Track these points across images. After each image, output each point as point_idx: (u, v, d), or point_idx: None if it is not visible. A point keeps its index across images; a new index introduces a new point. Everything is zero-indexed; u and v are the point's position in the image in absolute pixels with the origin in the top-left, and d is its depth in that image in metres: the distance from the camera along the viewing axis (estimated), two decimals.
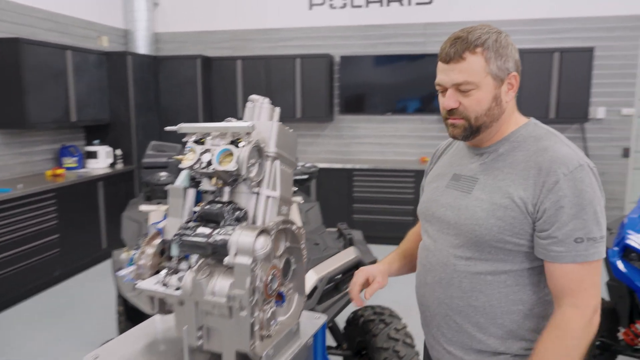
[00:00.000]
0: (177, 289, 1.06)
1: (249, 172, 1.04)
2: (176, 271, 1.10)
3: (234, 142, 1.06)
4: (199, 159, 1.07)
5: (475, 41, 1.12)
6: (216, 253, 1.02)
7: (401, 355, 2.13)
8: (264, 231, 1.01)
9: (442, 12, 5.66)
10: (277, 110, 1.16)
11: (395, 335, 2.19)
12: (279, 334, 1.12)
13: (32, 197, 4.16)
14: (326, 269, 2.13)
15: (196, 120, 5.94)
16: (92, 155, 5.29)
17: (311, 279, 2.06)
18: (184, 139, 1.12)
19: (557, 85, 5.22)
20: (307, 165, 2.83)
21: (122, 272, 1.15)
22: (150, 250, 1.13)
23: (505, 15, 5.50)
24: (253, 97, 1.17)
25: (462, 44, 1.12)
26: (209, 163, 1.05)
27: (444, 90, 1.17)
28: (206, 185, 1.12)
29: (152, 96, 5.89)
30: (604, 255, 1.09)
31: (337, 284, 2.20)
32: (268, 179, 1.10)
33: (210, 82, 6.07)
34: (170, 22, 6.34)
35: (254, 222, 1.08)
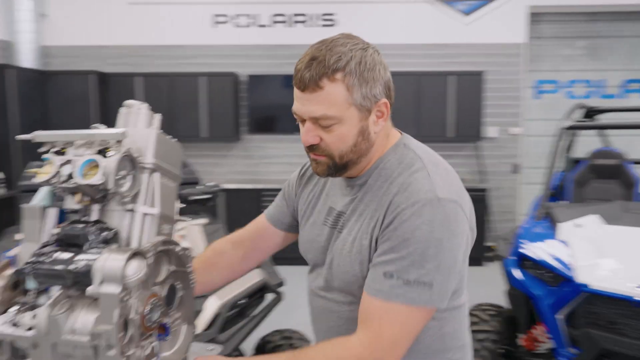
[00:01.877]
0: (30, 328, 0.87)
1: (119, 186, 0.89)
2: (32, 307, 0.91)
3: (102, 152, 0.91)
4: (57, 172, 0.90)
5: (335, 64, 0.93)
6: (79, 283, 0.85)
7: None
8: (137, 254, 0.86)
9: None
10: (158, 117, 1.02)
11: None
12: None
13: None
14: (229, 294, 1.98)
15: None
16: None
17: (213, 305, 1.91)
18: (41, 149, 0.95)
19: (455, 106, 5.53)
20: (209, 184, 2.68)
21: None
22: (0, 282, 0.94)
23: (403, 40, 5.75)
24: (128, 102, 1.02)
25: (319, 67, 0.93)
26: (70, 176, 0.89)
27: (302, 120, 0.99)
28: (70, 203, 0.95)
29: (39, 114, 5.37)
30: (426, 305, 0.94)
31: (242, 309, 2.06)
32: (145, 194, 0.95)
33: (108, 100, 5.66)
34: (60, 35, 5.86)
35: (127, 245, 0.93)
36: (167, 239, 0.96)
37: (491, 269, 4.99)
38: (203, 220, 2.79)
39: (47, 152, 0.95)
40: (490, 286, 3.36)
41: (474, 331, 2.38)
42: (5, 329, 0.88)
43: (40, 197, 0.96)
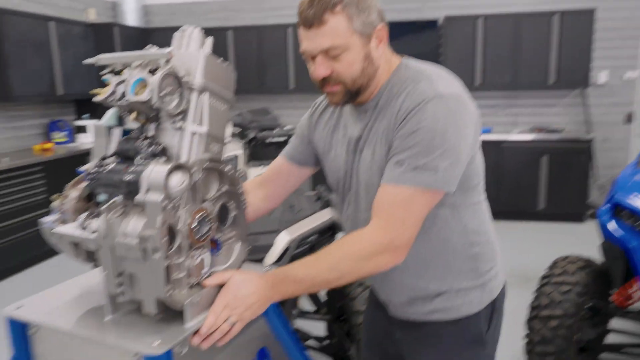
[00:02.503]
0: (95, 232, 0.97)
1: (165, 104, 0.95)
2: (98, 215, 1.01)
3: (153, 72, 0.96)
4: (114, 91, 0.97)
5: None
6: (131, 192, 0.93)
7: None
8: (180, 167, 0.92)
9: None
10: (209, 40, 1.05)
11: None
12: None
13: (18, 171, 4.11)
14: (299, 230, 2.04)
15: None
16: (82, 129, 5.22)
17: (283, 240, 1.98)
18: (102, 72, 1.02)
19: (557, 49, 5.03)
20: (287, 127, 2.74)
21: (47, 219, 1.07)
22: (74, 194, 1.05)
23: None
24: (183, 27, 1.07)
25: (320, 4, 1.03)
26: (124, 95, 0.96)
27: (312, 57, 1.09)
28: (130, 122, 1.03)
29: None
30: (431, 187, 1.03)
31: (312, 246, 2.12)
32: (194, 113, 1.00)
33: None
34: None
35: (176, 160, 0.99)
36: (214, 157, 1.01)
37: (591, 227, 4.61)
38: None
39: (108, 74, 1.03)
40: (588, 245, 3.12)
41: (557, 283, 2.24)
42: (74, 232, 1.00)
43: (107, 118, 1.05)
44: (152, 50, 0.99)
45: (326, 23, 1.03)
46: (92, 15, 5.62)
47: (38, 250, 4.32)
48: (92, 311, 1.05)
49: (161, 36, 5.80)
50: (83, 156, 4.86)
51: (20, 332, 1.07)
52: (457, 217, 1.14)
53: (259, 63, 5.72)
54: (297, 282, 1.03)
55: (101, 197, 1.02)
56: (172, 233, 0.93)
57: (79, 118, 5.38)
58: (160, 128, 1.01)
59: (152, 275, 0.91)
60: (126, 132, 1.07)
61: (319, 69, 1.08)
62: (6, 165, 3.99)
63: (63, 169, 4.59)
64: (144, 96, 0.93)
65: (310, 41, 1.07)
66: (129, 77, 0.97)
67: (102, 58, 1.03)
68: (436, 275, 1.17)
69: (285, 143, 2.80)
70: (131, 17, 5.89)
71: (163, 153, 0.98)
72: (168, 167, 0.89)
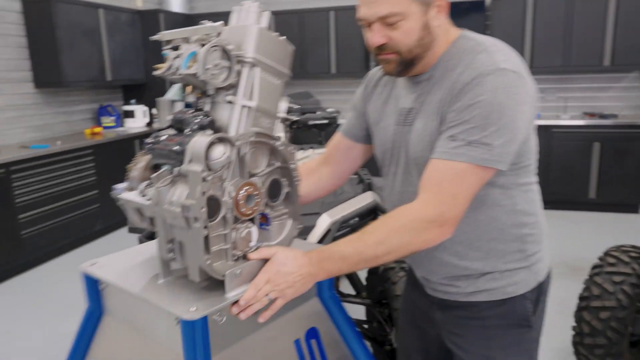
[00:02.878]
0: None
1: (212, 77, 0.95)
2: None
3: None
4: (170, 65, 0.99)
5: None
6: (179, 162, 0.95)
7: None
8: (223, 139, 0.92)
9: None
10: (266, 14, 1.04)
11: None
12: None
13: (70, 154, 4.28)
14: (341, 213, 2.03)
15: None
16: (130, 114, 5.37)
17: (325, 221, 1.97)
18: (163, 48, 1.04)
19: (613, 28, 4.77)
20: (329, 110, 2.71)
21: (118, 186, 1.13)
22: (140, 163, 1.09)
23: None
24: (242, 2, 1.06)
25: None
26: (178, 69, 0.97)
27: (369, 24, 1.06)
28: (190, 96, 1.05)
29: None
30: (484, 163, 0.99)
31: (352, 228, 2.10)
32: (244, 87, 0.99)
33: None
34: None
35: (225, 132, 1.00)
36: (262, 132, 1.00)
37: None
38: (324, 150, 2.86)
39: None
40: None
41: (609, 272, 2.14)
42: (134, 198, 1.04)
43: (171, 93, 1.06)
44: (206, 25, 0.99)
45: None
46: (139, 3, 5.75)
47: (88, 231, 4.51)
48: (151, 274, 1.09)
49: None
50: (130, 140, 5.01)
51: (93, 286, 1.15)
52: (507, 197, 1.11)
53: (300, 47, 5.71)
54: (344, 259, 1.00)
55: (165, 167, 1.05)
56: (216, 204, 0.94)
57: (127, 103, 5.54)
58: (214, 101, 1.02)
59: (194, 243, 0.94)
60: (188, 106, 1.08)
61: (374, 37, 1.06)
62: (59, 149, 4.16)
63: (111, 152, 4.75)
64: (192, 69, 0.94)
65: (367, 7, 1.04)
66: (184, 51, 0.98)
67: (164, 34, 1.05)
68: (481, 255, 1.14)
69: (327, 125, 2.79)
70: (176, 4, 5.99)
71: (211, 125, 0.98)
72: (209, 138, 0.90)
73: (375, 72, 1.29)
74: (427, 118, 1.09)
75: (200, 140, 0.91)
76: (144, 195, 1.03)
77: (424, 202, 1.02)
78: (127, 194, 1.06)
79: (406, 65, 1.09)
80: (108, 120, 5.26)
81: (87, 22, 4.71)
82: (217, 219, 0.94)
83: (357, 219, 2.09)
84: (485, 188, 1.06)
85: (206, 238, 0.93)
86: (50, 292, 3.54)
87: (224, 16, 5.14)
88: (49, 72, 4.47)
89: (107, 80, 5.01)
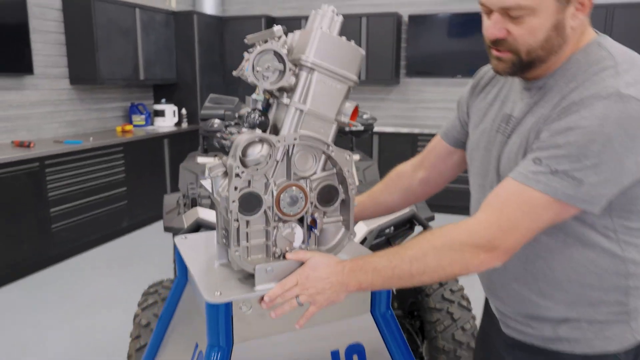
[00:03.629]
0: None
1: (261, 80, 0.96)
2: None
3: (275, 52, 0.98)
4: (242, 67, 1.01)
5: None
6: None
7: (455, 317, 1.97)
8: (264, 139, 0.94)
9: None
10: (338, 19, 1.03)
11: (451, 297, 2.03)
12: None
13: (101, 150, 4.34)
14: (377, 222, 2.00)
15: None
16: (159, 113, 5.43)
17: (361, 230, 1.94)
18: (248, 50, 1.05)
19: None
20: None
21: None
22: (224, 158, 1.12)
23: None
24: (322, 5, 1.05)
25: None
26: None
27: (489, 11, 0.91)
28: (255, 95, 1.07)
29: (217, 57, 5.93)
30: (567, 200, 0.83)
31: (388, 238, 2.07)
32: (301, 90, 0.98)
33: None
34: None
35: (277, 133, 1.01)
36: (312, 135, 0.98)
37: None
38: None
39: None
40: None
41: None
42: (208, 184, 1.07)
43: (254, 94, 1.07)
44: (275, 28, 0.99)
45: None
46: (173, 3, 5.82)
47: (115, 227, 4.56)
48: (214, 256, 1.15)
49: (237, 24, 5.92)
50: (160, 139, 5.06)
51: (180, 258, 1.23)
52: (611, 240, 0.92)
53: None
54: (376, 272, 0.93)
55: None
56: (256, 200, 0.97)
57: (157, 102, 5.60)
58: (278, 102, 1.03)
59: (230, 233, 0.98)
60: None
61: (492, 29, 0.90)
62: (91, 145, 4.22)
63: (141, 150, 4.80)
64: (244, 72, 0.94)
65: None
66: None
67: (249, 37, 1.07)
68: (568, 299, 0.96)
69: (363, 132, 2.76)
70: (209, 6, 6.05)
71: (262, 125, 1.00)
72: (248, 136, 0.93)
73: (488, 69, 1.14)
74: (524, 134, 0.94)
75: (240, 138, 0.95)
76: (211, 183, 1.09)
77: (478, 222, 0.90)
78: (207, 181, 1.12)
79: (521, 68, 0.92)
80: (139, 119, 5.33)
81: (123, 21, 4.79)
82: (256, 215, 0.98)
83: (392, 228, 2.05)
84: (580, 226, 0.91)
85: (238, 230, 0.97)
86: (78, 285, 3.58)
87: (253, 19, 5.21)
88: (84, 69, 4.55)
89: (140, 79, 5.07)
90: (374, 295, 1.11)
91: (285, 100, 0.99)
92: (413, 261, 0.91)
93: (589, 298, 0.95)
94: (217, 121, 2.66)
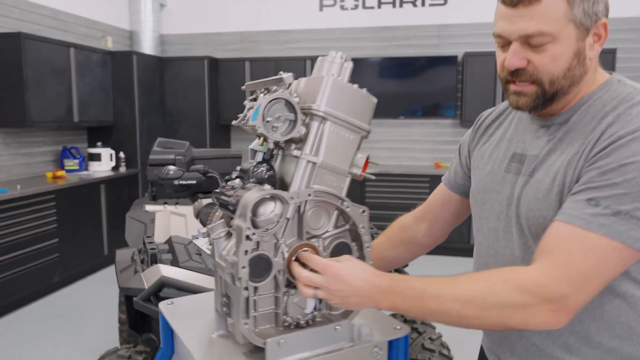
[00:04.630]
0: None
1: (271, 130, 0.87)
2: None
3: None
4: (245, 115, 0.92)
5: None
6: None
7: None
8: (276, 196, 0.84)
9: (457, 13, 5.50)
10: (348, 66, 0.94)
11: (430, 346, 1.96)
12: (316, 326, 0.93)
13: (31, 199, 3.96)
14: None
15: (203, 124, 5.76)
16: (95, 157, 5.09)
17: None
18: (248, 98, 0.97)
19: None
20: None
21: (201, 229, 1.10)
22: (219, 211, 1.01)
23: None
24: (331, 52, 0.96)
25: None
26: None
27: (506, 43, 0.89)
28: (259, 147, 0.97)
29: (157, 98, 5.72)
30: (627, 242, 0.78)
31: None
32: (312, 141, 0.90)
33: (218, 84, 5.90)
34: (176, 24, 6.18)
35: (286, 189, 0.91)
36: (326, 190, 0.90)
37: None
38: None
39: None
40: None
41: None
42: (203, 245, 1.01)
43: (255, 142, 0.98)
44: (284, 75, 0.90)
45: (539, 2, 0.83)
46: (109, 43, 5.60)
47: (46, 282, 4.13)
48: (211, 324, 1.03)
49: (178, 65, 5.78)
50: (96, 184, 4.72)
51: (166, 326, 1.10)
52: None
53: None
54: (419, 300, 0.83)
55: None
56: (266, 264, 0.87)
57: (92, 145, 5.26)
58: (284, 154, 0.94)
59: (236, 303, 0.88)
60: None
61: (512, 59, 0.87)
62: (18, 194, 3.85)
63: (74, 197, 4.44)
64: (253, 121, 0.86)
65: (510, 22, 0.86)
66: (258, 102, 0.88)
67: (248, 84, 1.00)
68: (597, 355, 0.90)
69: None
70: (148, 46, 5.87)
71: (270, 180, 0.90)
72: (259, 193, 0.83)
73: (489, 113, 1.13)
74: (555, 170, 0.88)
75: (249, 195, 0.84)
76: (210, 245, 0.97)
77: (544, 272, 0.81)
78: (200, 240, 1.02)
79: (544, 100, 0.89)
80: (71, 163, 4.96)
81: (57, 60, 4.50)
82: (266, 280, 0.87)
83: None
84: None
85: (247, 300, 0.86)
86: (5, 352, 3.15)
87: (196, 60, 5.11)
88: (12, 111, 4.19)
89: (74, 121, 4.75)
90: (392, 348, 1.00)
91: (295, 152, 0.89)
92: (468, 303, 0.81)
93: (620, 354, 0.89)
94: (172, 167, 2.49)
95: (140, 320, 2.16)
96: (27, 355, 3.13)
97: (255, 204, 0.83)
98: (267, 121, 0.87)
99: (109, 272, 4.73)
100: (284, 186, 0.91)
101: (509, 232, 0.97)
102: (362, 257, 0.95)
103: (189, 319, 1.06)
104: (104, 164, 5.10)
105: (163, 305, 1.13)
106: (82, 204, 4.57)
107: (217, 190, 0.96)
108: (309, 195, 0.88)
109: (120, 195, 5.06)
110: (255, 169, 0.89)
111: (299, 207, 0.90)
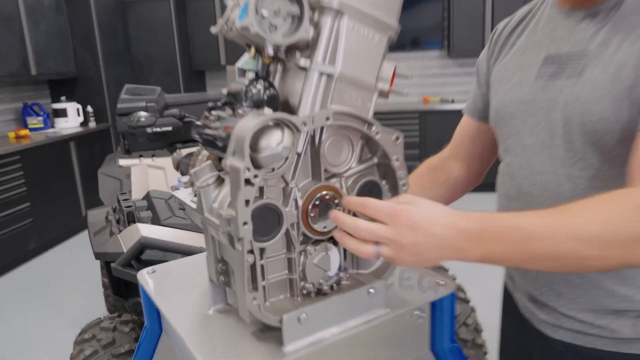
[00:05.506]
0: None
1: (267, 31, 0.61)
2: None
3: None
4: (227, 19, 0.66)
5: None
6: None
7: (455, 313, 1.76)
8: (283, 123, 0.60)
9: None
10: None
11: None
12: (343, 292, 0.71)
13: None
14: None
15: (174, 71, 5.37)
16: (60, 113, 4.71)
17: None
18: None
19: None
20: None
21: (182, 178, 0.86)
22: (205, 152, 0.78)
23: None
24: None
25: None
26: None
27: None
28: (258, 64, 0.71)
29: (122, 45, 5.27)
30: None
31: None
32: (325, 46, 0.65)
33: (187, 27, 5.46)
34: None
35: (294, 112, 0.66)
36: (350, 112, 0.66)
37: None
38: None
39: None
40: None
41: None
42: (185, 198, 0.80)
43: (243, 60, 0.72)
44: None
45: None
46: None
47: (21, 251, 3.87)
48: (206, 296, 0.80)
49: (140, 8, 5.30)
50: (65, 142, 4.38)
51: (150, 303, 0.87)
52: None
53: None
54: (526, 243, 0.61)
55: None
56: (274, 216, 0.64)
57: (56, 101, 4.85)
58: (285, 68, 0.69)
59: (238, 272, 0.65)
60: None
61: None
62: None
63: (43, 158, 4.12)
64: (245, 20, 0.60)
65: None
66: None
67: None
68: None
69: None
70: None
71: (272, 102, 0.66)
72: (259, 120, 0.58)
73: (507, 22, 0.98)
74: (616, 66, 0.73)
75: (245, 124, 0.60)
76: (196, 196, 0.75)
77: None
78: (181, 191, 0.83)
79: None
80: (35, 121, 4.58)
81: (3, 7, 4.02)
82: (276, 238, 0.65)
83: None
84: None
85: (253, 267, 0.64)
86: None
87: (160, 2, 4.53)
88: None
89: (32, 75, 4.33)
90: (435, 327, 0.81)
91: (302, 62, 0.64)
92: (591, 240, 0.60)
93: None
94: (143, 114, 2.21)
95: (125, 284, 1.96)
96: (5, 331, 2.93)
97: (256, 133, 0.59)
98: (263, 17, 0.61)
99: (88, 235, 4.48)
100: (290, 110, 0.67)
101: (550, 145, 0.82)
102: None
103: (176, 292, 0.84)
104: (71, 119, 4.73)
105: (143, 276, 0.90)
106: (52, 164, 4.25)
107: (198, 123, 0.72)
108: (328, 118, 0.64)
109: (92, 152, 4.73)
110: (250, 88, 0.64)
111: (313, 137, 0.66)
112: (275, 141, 0.59)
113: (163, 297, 0.82)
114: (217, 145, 0.66)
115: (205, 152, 0.76)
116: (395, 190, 0.73)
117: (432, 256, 0.62)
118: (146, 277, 0.90)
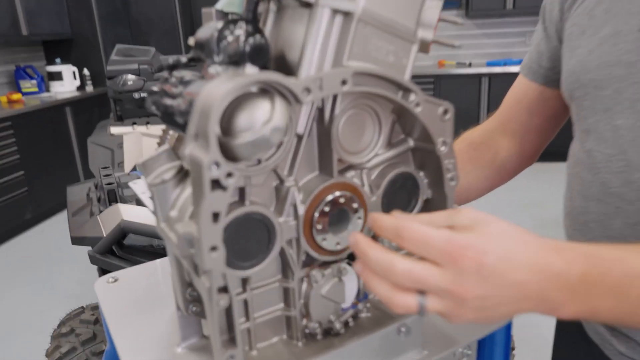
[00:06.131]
0: None
1: None
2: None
3: None
4: None
5: None
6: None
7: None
8: (271, 89, 0.38)
9: None
10: None
11: None
12: (364, 333, 0.50)
13: None
14: None
15: (175, 32, 5.08)
16: (55, 76, 4.48)
17: None
18: None
19: None
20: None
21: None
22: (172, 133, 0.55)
23: None
24: None
25: None
26: None
27: None
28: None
29: (120, 4, 4.97)
30: None
31: None
32: None
33: None
34: None
35: (292, 74, 0.42)
36: (375, 73, 0.43)
37: None
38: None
39: None
40: None
41: None
42: (141, 191, 0.74)
43: (223, 1, 0.49)
44: None
45: None
46: None
47: (16, 221, 3.72)
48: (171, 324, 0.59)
49: None
50: (61, 107, 4.17)
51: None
52: None
53: None
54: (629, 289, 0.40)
55: None
56: (264, 232, 0.43)
57: (51, 63, 4.61)
58: (281, 6, 0.46)
59: (208, 309, 0.43)
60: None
61: None
62: None
63: (37, 124, 3.91)
64: None
65: None
66: None
67: None
68: None
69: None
70: None
71: (258, 54, 0.42)
72: (233, 83, 0.36)
73: None
74: None
75: (213, 91, 0.36)
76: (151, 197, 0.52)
77: None
78: (138, 182, 0.74)
79: None
80: (29, 85, 4.36)
81: None
82: (264, 263, 0.43)
83: None
84: None
85: (230, 309, 0.42)
86: None
87: None
88: None
89: (23, 35, 4.08)
90: (484, 346, 0.60)
91: None
92: None
93: None
94: (131, 77, 1.97)
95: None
96: (4, 304, 2.80)
97: (229, 105, 0.36)
98: None
99: None
100: (286, 70, 0.44)
101: None
102: (441, 197, 0.51)
103: (140, 313, 0.63)
104: (67, 83, 4.50)
105: (101, 287, 0.70)
106: (47, 130, 4.05)
107: (154, 88, 0.49)
108: (344, 82, 0.41)
109: (90, 118, 4.51)
110: (224, 34, 0.41)
111: (322, 110, 0.44)
112: (260, 118, 0.37)
113: (121, 324, 0.62)
114: (177, 122, 0.44)
115: (173, 134, 0.55)
116: (437, 187, 0.51)
117: (505, 311, 0.40)
118: (104, 290, 0.69)
